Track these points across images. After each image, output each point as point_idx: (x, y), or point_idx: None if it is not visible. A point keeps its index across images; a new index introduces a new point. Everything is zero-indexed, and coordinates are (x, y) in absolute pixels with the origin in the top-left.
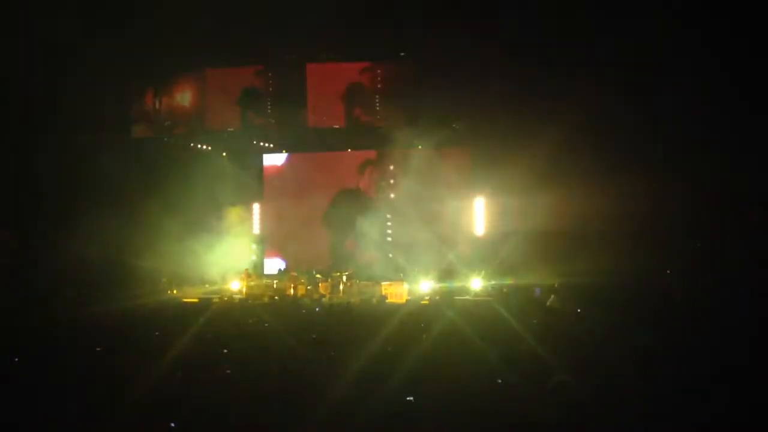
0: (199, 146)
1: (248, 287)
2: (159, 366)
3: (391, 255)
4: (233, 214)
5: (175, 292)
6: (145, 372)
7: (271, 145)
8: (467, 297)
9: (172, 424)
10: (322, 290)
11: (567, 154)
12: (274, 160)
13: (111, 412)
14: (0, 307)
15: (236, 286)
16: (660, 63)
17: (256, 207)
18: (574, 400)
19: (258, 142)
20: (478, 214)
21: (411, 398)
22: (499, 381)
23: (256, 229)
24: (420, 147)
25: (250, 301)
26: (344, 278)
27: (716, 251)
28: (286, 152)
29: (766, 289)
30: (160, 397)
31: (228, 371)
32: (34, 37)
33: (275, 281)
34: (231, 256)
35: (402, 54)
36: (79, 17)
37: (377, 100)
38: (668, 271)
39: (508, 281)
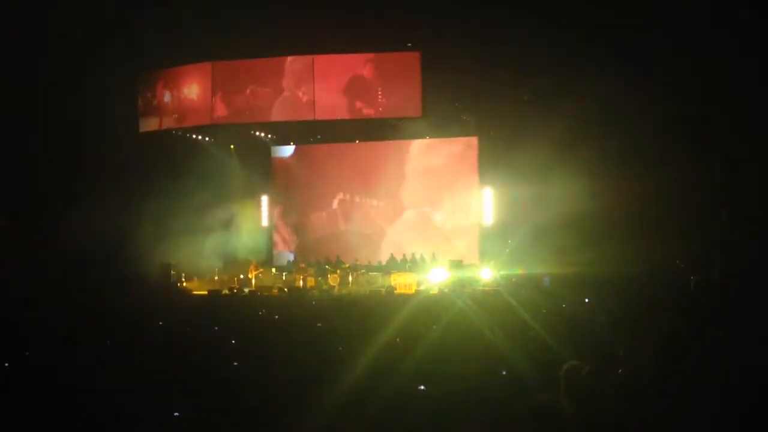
0: (207, 139)
1: (257, 279)
2: (166, 358)
3: (398, 245)
4: (241, 206)
5: (184, 284)
6: (151, 363)
7: (279, 138)
8: (477, 287)
9: (176, 414)
10: (331, 282)
11: (577, 143)
12: (282, 152)
13: (116, 403)
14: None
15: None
16: (678, 49)
17: (264, 199)
18: (586, 386)
19: (265, 135)
20: (487, 204)
21: (423, 387)
22: (504, 372)
23: (265, 221)
24: (428, 137)
25: (259, 294)
26: (353, 269)
27: (729, 239)
28: (294, 144)
29: None
30: (166, 388)
31: (235, 363)
32: (39, 27)
33: (284, 273)
34: (239, 249)
35: (409, 44)
36: (85, 7)
37: (381, 92)
38: (677, 261)
39: (518, 271)
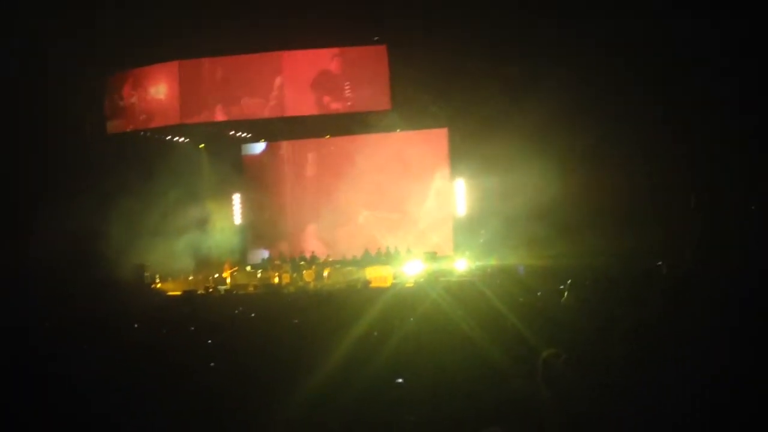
0: (176, 139)
1: (232, 278)
2: (142, 360)
3: (373, 239)
4: (213, 205)
5: (158, 285)
6: (127, 366)
7: (249, 135)
8: (452, 279)
9: (154, 413)
10: (306, 278)
11: (548, 133)
12: (253, 149)
13: (93, 407)
14: None
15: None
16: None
17: (236, 197)
18: (562, 375)
19: (236, 133)
20: (459, 195)
21: (401, 380)
22: (483, 361)
23: (238, 219)
24: (398, 130)
25: (234, 292)
26: (328, 264)
27: (700, 226)
28: (264, 141)
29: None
30: (143, 391)
31: (212, 363)
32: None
33: (259, 271)
34: (213, 248)
35: (376, 38)
36: (46, 7)
37: (349, 86)
38: (648, 247)
39: (492, 262)
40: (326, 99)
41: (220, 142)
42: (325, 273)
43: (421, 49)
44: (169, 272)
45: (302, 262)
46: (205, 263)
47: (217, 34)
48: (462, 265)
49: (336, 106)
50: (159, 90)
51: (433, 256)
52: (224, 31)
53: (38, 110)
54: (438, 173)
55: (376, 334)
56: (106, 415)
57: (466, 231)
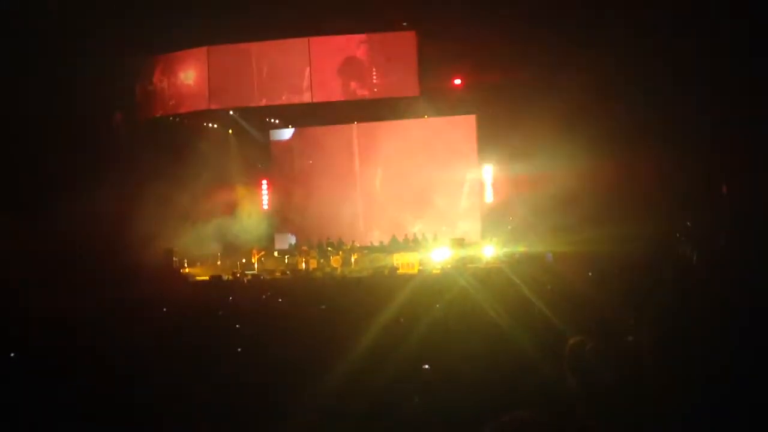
0: (205, 124)
1: (260, 263)
2: (169, 345)
3: (400, 225)
4: (241, 190)
5: (186, 270)
6: (155, 351)
7: (278, 121)
8: (480, 265)
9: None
10: (333, 263)
11: (577, 119)
12: (281, 135)
13: (121, 392)
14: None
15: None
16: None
17: (264, 183)
18: (589, 362)
19: (264, 119)
20: (487, 182)
21: (427, 366)
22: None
23: (265, 204)
24: (426, 117)
25: (262, 277)
26: (355, 250)
27: (730, 214)
28: (292, 127)
29: None
30: (171, 376)
31: (239, 349)
32: (30, 10)
33: (286, 256)
34: (241, 233)
35: (404, 24)
36: None
37: (376, 72)
38: (677, 235)
39: (520, 249)
40: (353, 85)
41: (248, 128)
42: (353, 259)
43: (451, 36)
44: (197, 257)
45: (329, 248)
46: (233, 248)
47: (245, 20)
48: (490, 251)
49: (363, 93)
50: (188, 75)
51: (460, 242)
52: (252, 18)
53: (69, 95)
54: (466, 160)
55: (402, 320)
56: (134, 400)
57: (494, 218)
